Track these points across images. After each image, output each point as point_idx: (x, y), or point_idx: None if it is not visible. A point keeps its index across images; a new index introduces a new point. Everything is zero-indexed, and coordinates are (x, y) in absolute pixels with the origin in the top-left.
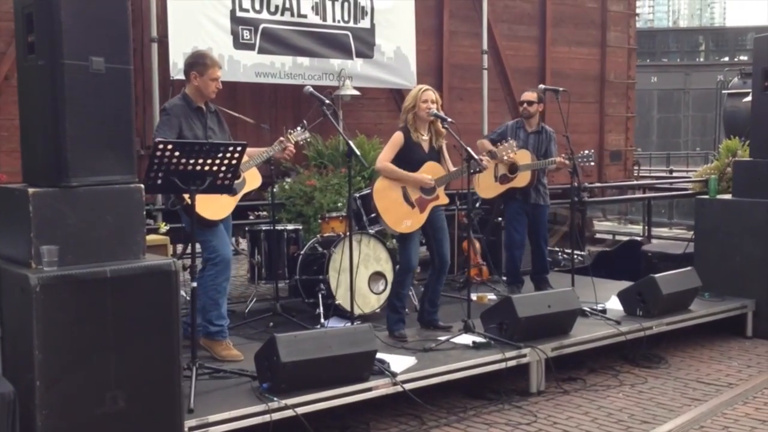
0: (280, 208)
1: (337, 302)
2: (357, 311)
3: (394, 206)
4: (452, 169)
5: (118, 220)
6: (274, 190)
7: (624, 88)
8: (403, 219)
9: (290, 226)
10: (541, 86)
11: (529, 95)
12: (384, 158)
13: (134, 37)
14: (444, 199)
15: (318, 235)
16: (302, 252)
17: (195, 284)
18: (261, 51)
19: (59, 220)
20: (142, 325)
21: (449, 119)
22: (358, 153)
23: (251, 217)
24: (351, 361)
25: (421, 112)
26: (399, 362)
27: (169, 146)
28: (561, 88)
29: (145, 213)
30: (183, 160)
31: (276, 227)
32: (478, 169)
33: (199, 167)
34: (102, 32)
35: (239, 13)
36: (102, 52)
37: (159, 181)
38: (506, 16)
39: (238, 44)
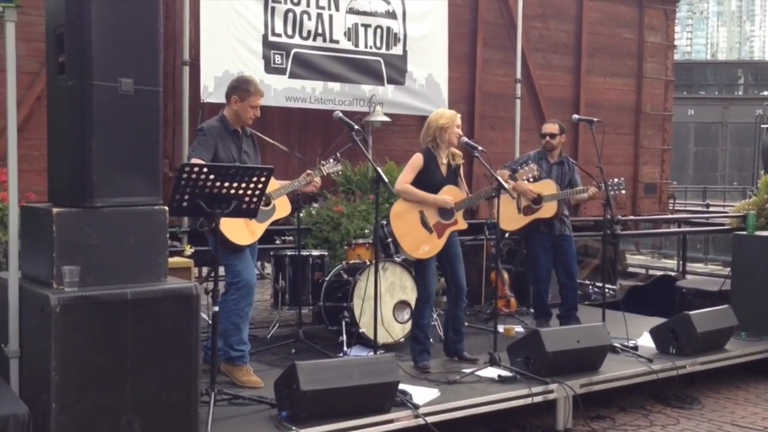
0: (306, 233)
1: (360, 330)
2: (381, 340)
3: (411, 231)
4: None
5: (140, 241)
6: (301, 215)
7: (660, 120)
8: (421, 244)
9: (315, 252)
10: (575, 116)
11: (551, 128)
12: (404, 180)
13: (166, 60)
14: (462, 224)
15: (343, 262)
16: (327, 278)
17: (216, 308)
18: (292, 75)
19: (82, 240)
20: (160, 349)
21: (480, 147)
22: (386, 180)
23: (277, 242)
24: (372, 392)
25: (452, 137)
26: (422, 394)
27: (196, 168)
28: (595, 119)
29: (169, 235)
30: (209, 183)
31: (301, 253)
32: (494, 195)
33: (225, 190)
34: (132, 54)
35: (271, 38)
36: (131, 74)
37: (184, 204)
38: (541, 45)
39: (270, 68)
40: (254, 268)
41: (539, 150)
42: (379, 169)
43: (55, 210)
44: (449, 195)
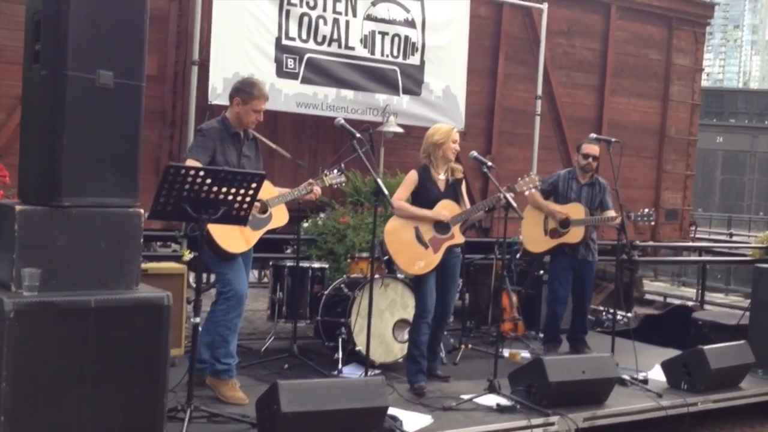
0: (311, 244)
1: (357, 348)
2: (379, 360)
3: (406, 247)
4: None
5: (111, 246)
6: (305, 224)
7: (685, 145)
8: (416, 260)
9: (316, 264)
10: (593, 135)
11: (594, 149)
12: (397, 197)
13: (177, 59)
14: (459, 239)
15: (344, 276)
16: (326, 292)
17: (197, 320)
18: (304, 81)
19: (47, 241)
20: (126, 363)
21: (489, 163)
22: (386, 192)
23: (288, 251)
24: (359, 417)
25: (448, 153)
26: (413, 420)
27: (182, 171)
28: (613, 139)
29: (169, 239)
30: (195, 187)
31: (301, 264)
32: (493, 207)
33: (213, 195)
34: (114, 45)
35: (285, 41)
36: (112, 66)
37: (169, 207)
38: (565, 62)
39: (281, 72)
40: (246, 278)
41: (570, 169)
42: (379, 180)
43: (18, 207)
44: (444, 209)
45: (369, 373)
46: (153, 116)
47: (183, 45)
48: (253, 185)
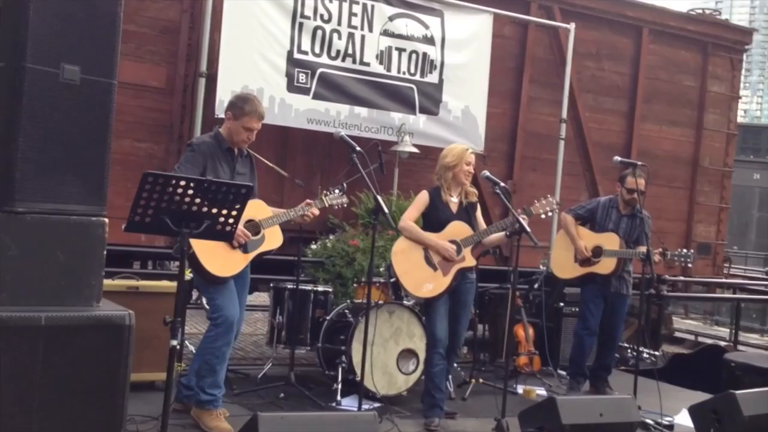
0: (318, 266)
1: (357, 378)
2: (381, 391)
3: (414, 268)
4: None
5: (70, 258)
6: (313, 246)
7: (719, 176)
8: (424, 282)
9: (320, 288)
10: (617, 158)
11: (641, 182)
12: (407, 216)
13: (187, 72)
14: (470, 262)
15: (348, 301)
16: (328, 317)
17: (175, 342)
18: (316, 96)
19: None
20: (79, 387)
21: (502, 183)
22: (386, 210)
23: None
24: None
25: (460, 176)
26: None
27: (161, 180)
28: (639, 162)
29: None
30: (176, 198)
31: (303, 287)
32: (507, 231)
33: (195, 207)
34: (83, 38)
35: (297, 55)
36: (79, 61)
37: (147, 219)
38: (593, 86)
39: (292, 87)
40: (237, 303)
41: (611, 197)
42: (379, 198)
43: None
44: (455, 231)
45: (368, 406)
46: (160, 130)
47: (194, 58)
48: (240, 198)
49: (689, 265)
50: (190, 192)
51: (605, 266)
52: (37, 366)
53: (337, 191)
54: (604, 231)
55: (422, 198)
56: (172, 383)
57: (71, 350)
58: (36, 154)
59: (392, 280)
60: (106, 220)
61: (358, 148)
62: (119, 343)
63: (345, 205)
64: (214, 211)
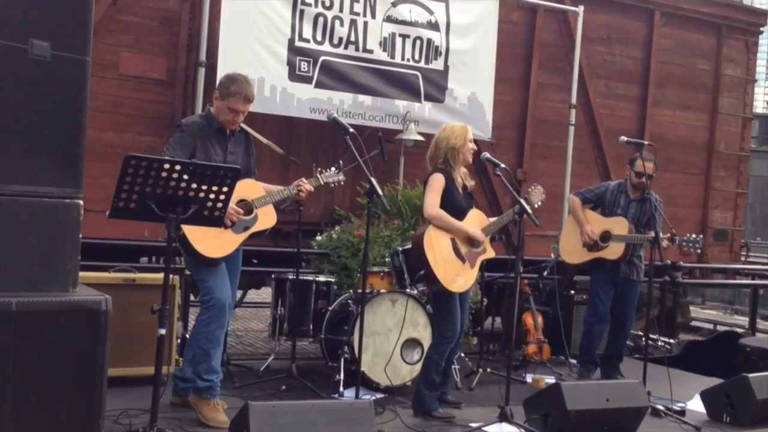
0: (323, 258)
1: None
2: (384, 382)
3: (445, 261)
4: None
5: (43, 242)
6: (318, 238)
7: (735, 161)
8: (456, 276)
9: (321, 278)
10: (623, 138)
11: (650, 166)
12: (434, 203)
13: (188, 63)
14: (491, 252)
15: (350, 291)
16: (331, 308)
17: (164, 331)
18: (318, 85)
19: None
20: (54, 376)
21: (502, 165)
22: (380, 192)
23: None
24: None
25: (467, 155)
26: None
27: (144, 163)
28: (646, 142)
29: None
30: (161, 182)
31: (305, 278)
32: (517, 218)
33: (181, 192)
34: (54, 13)
35: (298, 43)
36: (49, 36)
37: (132, 204)
38: (603, 71)
39: (294, 76)
40: (229, 286)
41: (621, 181)
42: (373, 180)
43: None
44: (475, 220)
45: (371, 396)
46: (162, 122)
47: (195, 48)
48: (228, 181)
49: (698, 251)
50: (175, 175)
51: (613, 251)
52: (9, 354)
53: (333, 169)
54: (613, 215)
55: (440, 181)
56: (161, 372)
57: (45, 337)
58: (4, 134)
59: (422, 272)
60: (81, 202)
61: (351, 130)
62: (95, 330)
63: (342, 183)
64: (202, 195)
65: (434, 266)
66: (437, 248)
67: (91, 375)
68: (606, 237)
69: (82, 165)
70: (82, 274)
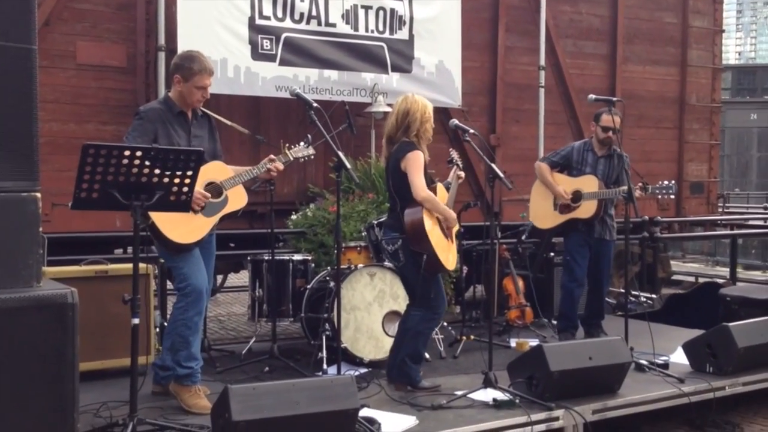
0: (300, 237)
1: (343, 345)
2: (368, 356)
3: (439, 242)
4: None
5: (2, 237)
6: (293, 217)
7: (707, 113)
8: (448, 254)
9: (298, 257)
10: (591, 96)
11: (616, 120)
12: (424, 185)
13: (148, 49)
14: (456, 227)
15: (328, 267)
16: (309, 286)
17: (137, 321)
18: (282, 63)
19: None
20: (22, 373)
21: (472, 131)
22: (348, 166)
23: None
24: (325, 422)
25: (430, 128)
26: (394, 423)
27: (103, 151)
28: (615, 98)
29: None
30: (123, 169)
31: (281, 257)
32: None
33: (145, 178)
34: None
35: (259, 21)
36: None
37: (94, 194)
38: (571, 30)
39: (257, 55)
40: (204, 271)
41: (586, 140)
42: (340, 154)
43: None
44: (442, 195)
45: (355, 372)
46: (125, 110)
47: (153, 33)
48: (191, 164)
49: (672, 196)
50: (137, 162)
51: (586, 210)
52: None
53: (302, 144)
54: (581, 175)
55: (421, 159)
56: (137, 361)
57: (10, 334)
58: None
59: (425, 257)
60: (39, 195)
61: (315, 105)
62: (63, 323)
63: (312, 157)
64: (166, 180)
65: (436, 249)
66: (433, 231)
67: (61, 369)
68: (577, 197)
69: (38, 157)
70: (51, 269)
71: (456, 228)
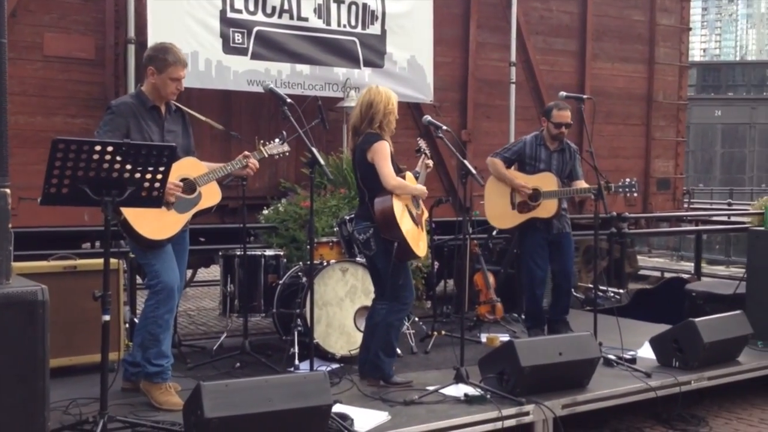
0: (272, 232)
1: (315, 341)
2: (339, 352)
3: (409, 229)
4: None
5: None
6: (265, 212)
7: (674, 110)
8: (418, 241)
9: (270, 252)
10: (562, 93)
11: (567, 115)
12: (392, 173)
13: (117, 41)
14: (425, 213)
15: (300, 263)
16: (281, 281)
17: (107, 317)
18: (254, 56)
19: None
20: None
21: (444, 127)
22: (322, 162)
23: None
24: (298, 418)
25: (393, 119)
26: (366, 418)
27: (73, 146)
28: (585, 96)
29: None
30: (93, 165)
31: (252, 252)
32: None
33: (116, 174)
34: None
35: (230, 14)
36: None
37: (64, 190)
38: (541, 27)
39: (229, 48)
40: (177, 268)
41: (536, 133)
42: (314, 150)
43: None
44: (411, 181)
45: (326, 367)
46: (94, 103)
47: (123, 25)
48: (164, 159)
49: (635, 193)
50: (108, 157)
51: (547, 209)
52: None
53: (276, 140)
54: (535, 171)
55: (386, 148)
56: (107, 358)
57: None
58: None
59: (396, 245)
60: (8, 191)
61: (288, 100)
62: (33, 321)
63: (287, 154)
64: (138, 176)
65: (407, 236)
66: (404, 218)
67: (32, 367)
68: (536, 195)
69: (7, 151)
70: (18, 264)
71: (426, 214)
